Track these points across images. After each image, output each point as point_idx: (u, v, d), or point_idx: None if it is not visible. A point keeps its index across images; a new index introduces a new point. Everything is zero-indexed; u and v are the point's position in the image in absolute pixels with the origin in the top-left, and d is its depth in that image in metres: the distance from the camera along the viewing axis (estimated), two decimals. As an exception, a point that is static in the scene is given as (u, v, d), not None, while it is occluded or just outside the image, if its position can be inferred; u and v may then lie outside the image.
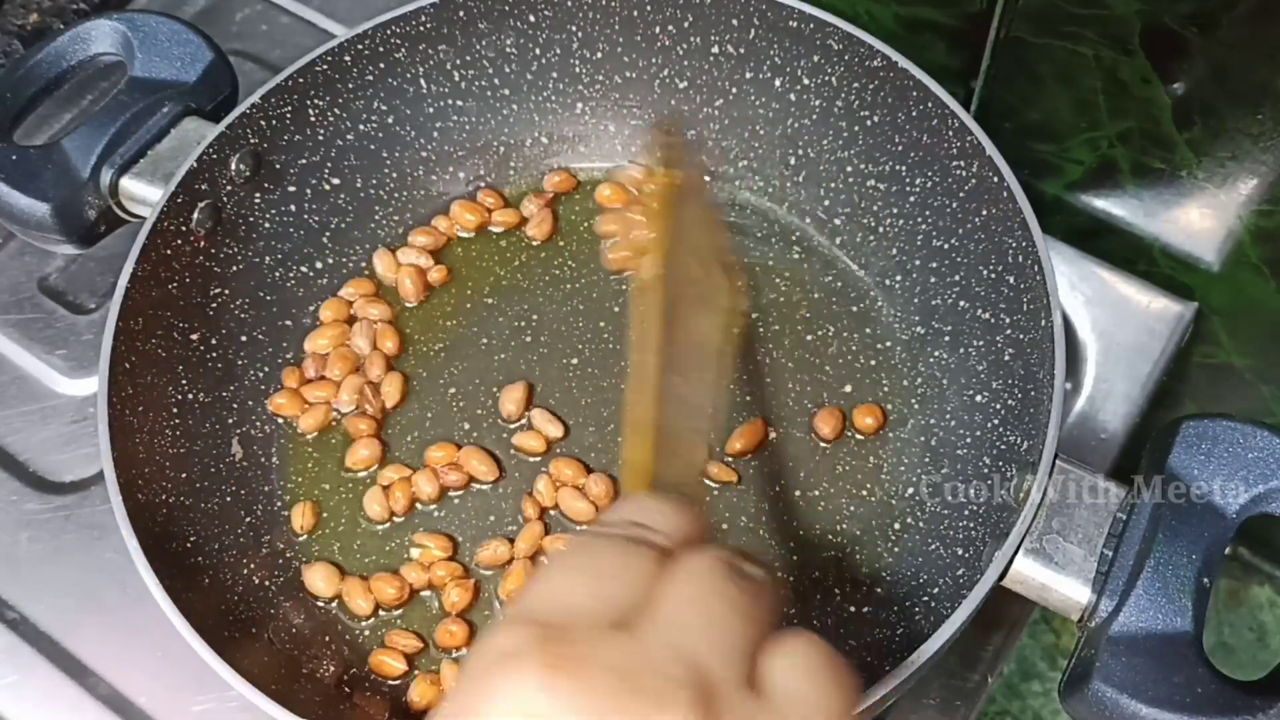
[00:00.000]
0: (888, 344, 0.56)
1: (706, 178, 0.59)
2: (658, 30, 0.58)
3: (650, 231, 0.45)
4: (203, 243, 0.54)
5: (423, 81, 0.59)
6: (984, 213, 0.51)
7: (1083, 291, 0.59)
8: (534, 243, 0.60)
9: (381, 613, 0.50)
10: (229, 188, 0.54)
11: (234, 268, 0.55)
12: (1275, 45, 0.49)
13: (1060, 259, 0.59)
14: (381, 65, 0.57)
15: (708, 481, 0.52)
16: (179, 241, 0.52)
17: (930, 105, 0.52)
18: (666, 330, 0.40)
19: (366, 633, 0.50)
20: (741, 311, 0.52)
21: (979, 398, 0.51)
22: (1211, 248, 0.59)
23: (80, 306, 0.62)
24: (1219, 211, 0.57)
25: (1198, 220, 0.58)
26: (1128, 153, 0.57)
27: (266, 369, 0.56)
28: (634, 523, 0.31)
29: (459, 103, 0.60)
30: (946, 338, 0.54)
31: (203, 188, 0.53)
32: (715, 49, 0.58)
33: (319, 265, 0.58)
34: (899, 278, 0.56)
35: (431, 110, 0.60)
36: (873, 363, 0.55)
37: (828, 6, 0.54)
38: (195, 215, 0.53)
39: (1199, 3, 0.49)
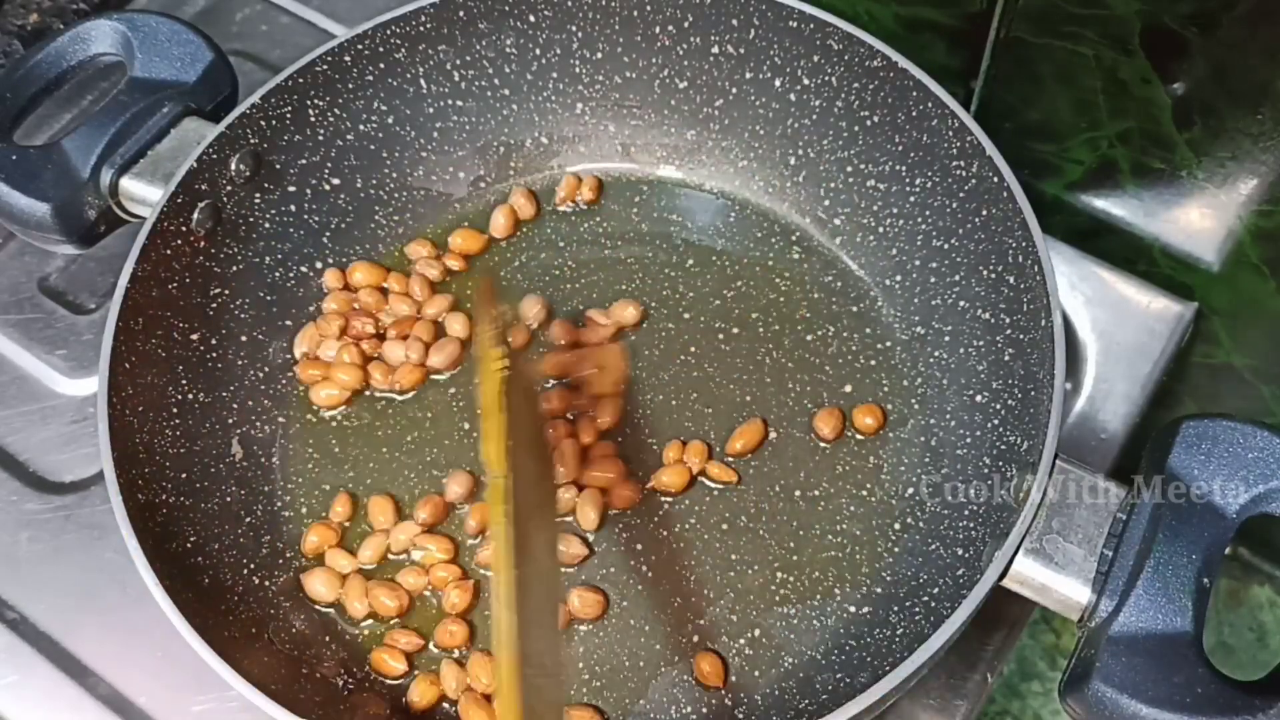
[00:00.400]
0: (888, 344, 0.56)
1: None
2: (658, 30, 0.58)
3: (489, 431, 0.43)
4: (203, 243, 0.54)
5: (423, 81, 0.59)
6: (984, 213, 0.51)
7: (1083, 291, 0.59)
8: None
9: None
10: (229, 188, 0.54)
11: (234, 268, 0.55)
12: (1275, 45, 0.49)
13: (1060, 259, 0.59)
14: (381, 65, 0.57)
15: (710, 481, 0.53)
16: (179, 241, 0.52)
17: (930, 105, 0.52)
18: (518, 566, 0.39)
19: (366, 633, 0.50)
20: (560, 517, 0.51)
21: (979, 398, 0.51)
22: (1211, 248, 0.59)
23: (80, 306, 0.62)
24: (1219, 211, 0.57)
25: (1198, 220, 0.58)
26: (1128, 153, 0.57)
27: (266, 369, 0.56)
28: None
29: (459, 103, 0.60)
30: (946, 338, 0.54)
31: (203, 188, 0.53)
32: (715, 49, 0.58)
33: (319, 265, 0.58)
34: (899, 278, 0.56)
35: (431, 110, 0.60)
36: (873, 363, 0.55)
37: (828, 6, 0.54)
38: (195, 215, 0.53)
39: (1199, 3, 0.49)
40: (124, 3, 0.72)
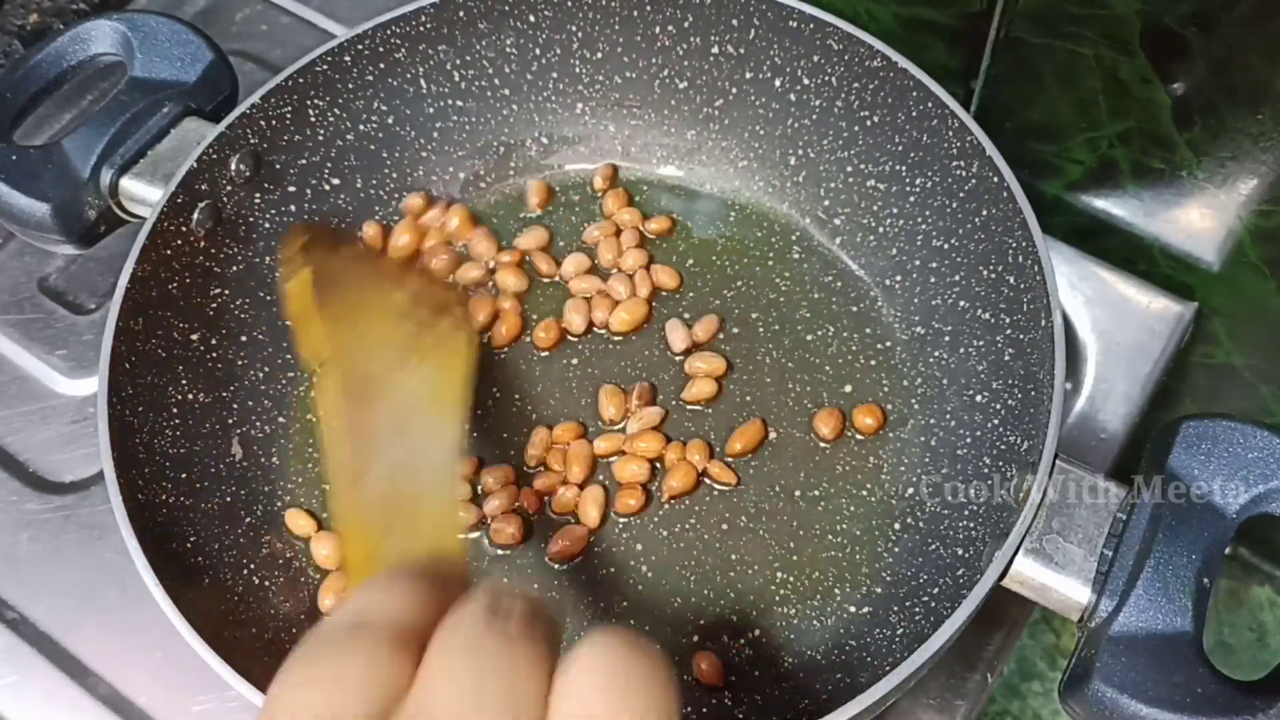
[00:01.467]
0: (888, 344, 0.56)
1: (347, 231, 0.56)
2: (658, 30, 0.58)
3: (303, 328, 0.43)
4: (203, 243, 0.54)
5: (423, 82, 0.59)
6: (984, 213, 0.51)
7: (1083, 291, 0.59)
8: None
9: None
10: (229, 188, 0.54)
11: (234, 268, 0.55)
12: (1275, 45, 0.49)
13: (1060, 259, 0.59)
14: (381, 65, 0.57)
15: (710, 481, 0.52)
16: (179, 242, 0.52)
17: (930, 105, 0.52)
18: (359, 408, 0.38)
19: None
20: (466, 341, 0.48)
21: (979, 398, 0.51)
22: (1211, 248, 0.59)
23: (80, 306, 0.62)
24: (1219, 211, 0.57)
25: (1198, 220, 0.58)
26: (1128, 153, 0.57)
27: (266, 369, 0.56)
28: (359, 614, 0.27)
29: (459, 103, 0.60)
30: (946, 338, 0.54)
31: (203, 188, 0.53)
32: (715, 49, 0.58)
33: (319, 265, 0.58)
34: (899, 278, 0.56)
35: (431, 110, 0.60)
36: (873, 363, 0.55)
37: (828, 6, 0.54)
38: (195, 215, 0.53)
39: (1199, 3, 0.49)
40: (124, 3, 0.72)
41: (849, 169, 0.57)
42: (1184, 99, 0.53)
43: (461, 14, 0.57)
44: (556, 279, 0.58)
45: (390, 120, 0.59)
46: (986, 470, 0.49)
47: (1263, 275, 0.57)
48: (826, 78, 0.56)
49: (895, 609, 0.48)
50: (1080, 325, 0.58)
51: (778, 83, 0.57)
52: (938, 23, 0.58)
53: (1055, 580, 0.43)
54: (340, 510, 0.36)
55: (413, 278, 0.53)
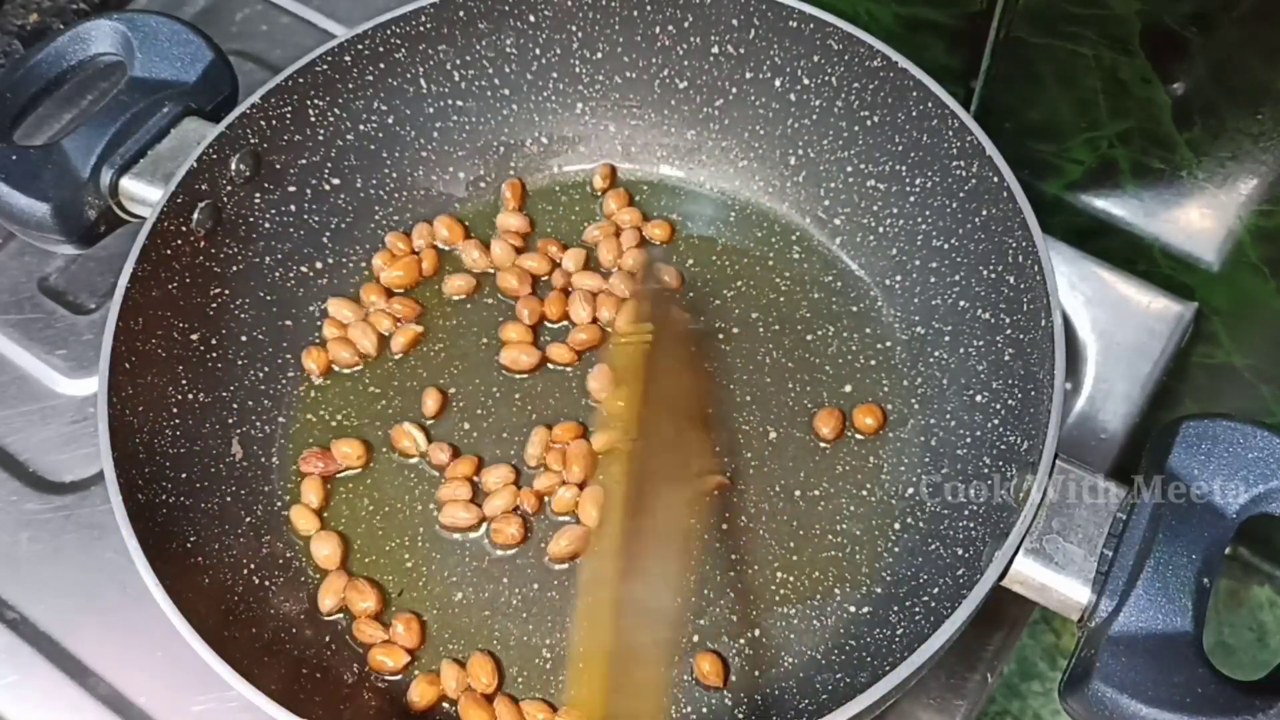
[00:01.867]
0: (888, 344, 0.56)
1: (687, 322, 0.56)
2: (658, 30, 0.58)
3: (619, 399, 0.42)
4: (203, 243, 0.54)
5: (423, 81, 0.59)
6: (984, 213, 0.51)
7: (1083, 291, 0.59)
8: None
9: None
10: (229, 188, 0.54)
11: (234, 268, 0.55)
12: (1275, 45, 0.49)
13: (1060, 259, 0.59)
14: (381, 65, 0.57)
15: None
16: (179, 241, 0.52)
17: (930, 105, 0.52)
18: (630, 520, 0.37)
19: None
20: (717, 477, 0.50)
21: (979, 398, 0.51)
22: (1211, 248, 0.59)
23: (80, 306, 0.62)
24: (1219, 211, 0.57)
25: (1198, 220, 0.58)
26: (1128, 153, 0.57)
27: (266, 369, 0.56)
28: None
29: (459, 103, 0.60)
30: (946, 338, 0.54)
31: (203, 188, 0.53)
32: (715, 49, 0.58)
33: (319, 265, 0.58)
34: (899, 278, 0.56)
35: (431, 110, 0.60)
36: (873, 363, 0.55)
37: (828, 6, 0.54)
38: (195, 215, 0.53)
39: (1199, 3, 0.49)
40: (124, 2, 0.72)
41: (849, 169, 0.57)
42: (1184, 99, 0.53)
43: (461, 14, 0.57)
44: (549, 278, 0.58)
45: (390, 120, 0.59)
46: (986, 470, 0.49)
47: (1263, 275, 0.57)
48: (826, 78, 0.56)
49: (895, 609, 0.48)
50: (1080, 325, 0.58)
51: (778, 83, 0.57)
52: (938, 23, 0.58)
53: (1055, 580, 0.43)
54: (586, 635, 0.36)
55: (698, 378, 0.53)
